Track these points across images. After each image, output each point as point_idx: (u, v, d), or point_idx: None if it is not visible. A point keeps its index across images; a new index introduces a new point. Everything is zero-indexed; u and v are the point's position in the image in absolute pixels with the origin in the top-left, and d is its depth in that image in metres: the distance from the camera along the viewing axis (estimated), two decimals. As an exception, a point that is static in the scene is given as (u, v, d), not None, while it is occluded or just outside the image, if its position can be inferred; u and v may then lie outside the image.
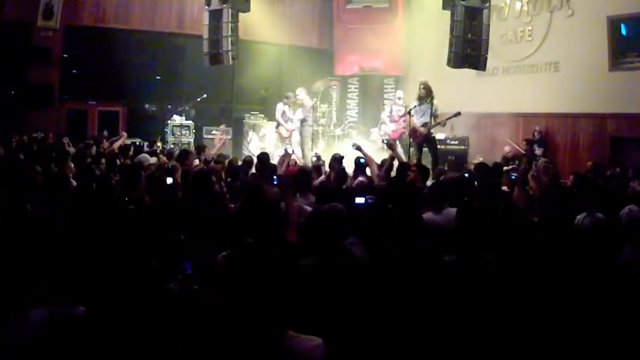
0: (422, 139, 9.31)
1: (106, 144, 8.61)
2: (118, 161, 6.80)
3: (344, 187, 5.43)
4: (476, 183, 5.57)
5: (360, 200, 3.64)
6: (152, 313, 2.03)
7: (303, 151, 10.82)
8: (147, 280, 2.16)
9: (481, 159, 9.42)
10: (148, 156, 6.94)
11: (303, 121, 10.96)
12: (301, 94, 10.97)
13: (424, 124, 9.26)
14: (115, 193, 4.74)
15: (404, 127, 10.78)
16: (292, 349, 1.87)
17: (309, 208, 4.19)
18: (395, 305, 2.49)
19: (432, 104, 9.20)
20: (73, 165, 6.09)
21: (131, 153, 7.82)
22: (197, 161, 7.54)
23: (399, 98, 11.23)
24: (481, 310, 2.62)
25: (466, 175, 6.17)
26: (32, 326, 1.99)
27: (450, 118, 9.12)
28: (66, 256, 2.26)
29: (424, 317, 2.50)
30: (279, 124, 11.27)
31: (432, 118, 9.19)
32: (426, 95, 9.26)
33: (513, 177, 5.71)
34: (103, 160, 6.72)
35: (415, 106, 9.38)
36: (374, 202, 3.74)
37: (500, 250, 3.01)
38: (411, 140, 9.71)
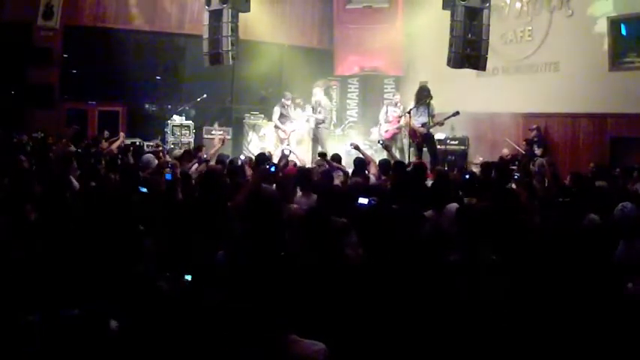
0: (421, 139, 9.35)
1: (104, 144, 8.60)
2: (118, 161, 6.79)
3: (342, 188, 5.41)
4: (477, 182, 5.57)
5: (363, 201, 3.63)
6: (144, 312, 2.02)
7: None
8: (138, 280, 2.15)
9: (481, 159, 9.43)
10: (154, 156, 6.92)
11: (320, 122, 10.88)
12: (318, 94, 10.93)
13: (423, 124, 9.31)
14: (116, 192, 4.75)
15: (397, 128, 10.79)
16: (295, 353, 1.86)
17: (295, 206, 4.22)
18: (397, 306, 2.49)
19: (429, 105, 9.23)
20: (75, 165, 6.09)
21: (130, 154, 7.80)
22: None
23: (396, 103, 11.25)
24: (482, 308, 2.62)
25: (466, 176, 6.18)
26: (29, 328, 1.99)
27: (449, 117, 9.17)
28: (66, 258, 2.26)
29: (426, 317, 2.50)
30: (277, 127, 11.25)
31: (430, 118, 9.22)
32: (418, 99, 9.32)
33: (516, 176, 5.76)
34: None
35: (414, 107, 9.42)
36: (376, 203, 3.73)
37: (502, 250, 3.01)
38: (411, 140, 9.72)
